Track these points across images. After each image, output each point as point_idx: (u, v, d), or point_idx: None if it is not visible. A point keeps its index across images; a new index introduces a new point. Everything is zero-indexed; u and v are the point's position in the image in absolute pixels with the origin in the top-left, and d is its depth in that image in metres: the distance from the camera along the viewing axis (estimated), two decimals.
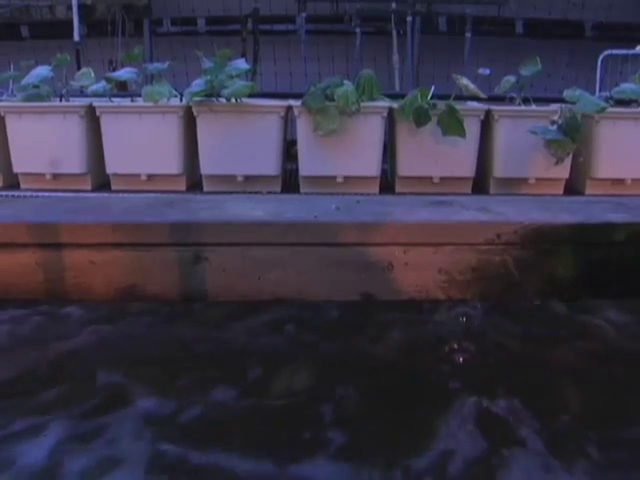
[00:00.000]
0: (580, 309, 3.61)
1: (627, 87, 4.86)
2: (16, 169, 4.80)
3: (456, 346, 3.22)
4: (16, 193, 4.62)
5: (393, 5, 6.87)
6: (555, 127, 4.56)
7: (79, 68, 5.57)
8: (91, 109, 4.69)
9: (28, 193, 4.60)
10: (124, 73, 4.99)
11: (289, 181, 5.02)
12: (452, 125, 4.48)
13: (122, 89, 5.71)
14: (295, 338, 3.32)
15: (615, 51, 6.23)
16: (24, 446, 2.45)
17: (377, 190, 4.75)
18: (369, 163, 4.67)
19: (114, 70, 6.20)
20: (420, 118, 4.49)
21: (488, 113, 4.71)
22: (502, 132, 4.70)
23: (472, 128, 4.60)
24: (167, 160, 4.71)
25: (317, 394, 2.84)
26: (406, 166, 4.75)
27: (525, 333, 3.41)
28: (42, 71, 4.84)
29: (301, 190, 4.75)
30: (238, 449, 2.46)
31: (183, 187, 4.80)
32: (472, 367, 3.09)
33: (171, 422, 2.62)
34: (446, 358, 3.14)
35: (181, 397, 2.77)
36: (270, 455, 2.43)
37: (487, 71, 4.91)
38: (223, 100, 4.62)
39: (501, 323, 3.47)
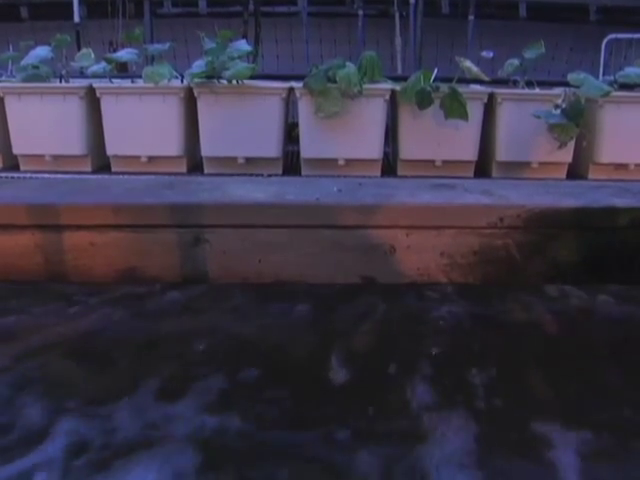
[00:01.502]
0: None
1: (631, 71, 4.82)
2: (16, 150, 4.76)
3: None
4: (16, 175, 4.59)
5: None
6: (559, 111, 4.52)
7: (79, 49, 5.52)
8: (91, 90, 4.65)
9: (28, 175, 4.57)
10: (124, 54, 4.95)
11: (290, 163, 5.00)
12: (455, 108, 4.45)
13: (122, 70, 5.66)
14: None
15: (619, 35, 6.19)
16: None
17: (379, 173, 4.72)
18: (371, 146, 4.64)
19: (115, 52, 6.15)
20: (422, 101, 4.45)
21: (491, 96, 4.67)
22: (505, 115, 4.66)
23: (475, 111, 4.56)
24: (168, 142, 4.67)
25: None
26: (408, 149, 4.72)
27: None
28: (41, 52, 4.80)
29: (302, 173, 4.72)
30: None
31: (184, 169, 4.77)
32: None
33: None
34: None
35: None
36: None
37: (490, 54, 4.88)
38: (224, 82, 4.58)
39: None
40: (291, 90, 4.66)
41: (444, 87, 4.49)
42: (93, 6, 7.03)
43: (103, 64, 4.81)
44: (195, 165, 4.86)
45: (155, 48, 5.02)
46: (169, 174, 4.58)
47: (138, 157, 4.70)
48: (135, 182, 4.14)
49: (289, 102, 4.79)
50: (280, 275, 3.57)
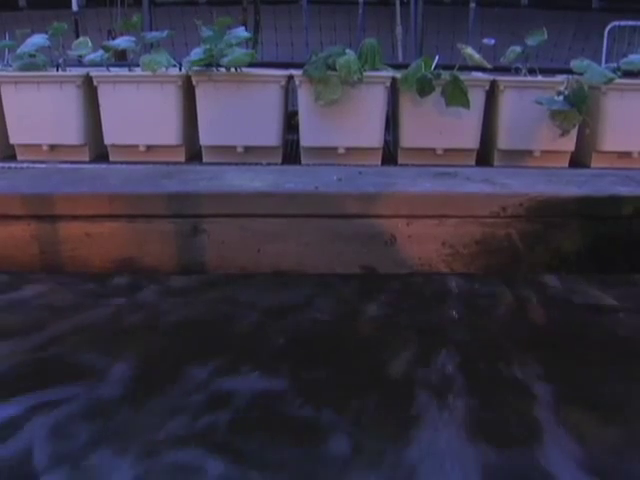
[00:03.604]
0: None
1: (635, 58, 4.77)
2: (12, 140, 4.72)
3: None
4: (13, 164, 4.55)
5: None
6: (561, 98, 4.47)
7: (78, 38, 5.47)
8: (88, 79, 4.60)
9: (25, 164, 4.53)
10: (122, 42, 4.89)
11: (290, 152, 4.96)
12: (456, 95, 4.40)
13: (121, 59, 5.61)
14: None
15: (622, 22, 6.14)
16: None
17: (379, 162, 4.68)
18: (371, 134, 4.59)
19: (113, 40, 6.09)
20: (423, 88, 4.40)
21: (493, 84, 4.62)
22: (507, 103, 4.61)
23: (476, 99, 4.51)
24: (166, 131, 4.63)
25: None
26: (409, 137, 4.67)
27: None
28: (38, 40, 4.75)
29: (302, 161, 4.68)
30: None
31: (182, 158, 4.73)
32: None
33: None
34: None
35: None
36: None
37: (492, 41, 4.82)
38: (223, 69, 4.54)
39: None
40: (290, 78, 4.61)
41: (445, 74, 4.44)
42: None
43: (100, 52, 4.76)
44: (194, 154, 4.83)
45: (153, 36, 4.97)
46: (167, 163, 4.53)
47: (136, 146, 4.66)
48: (132, 171, 4.09)
49: (289, 90, 4.76)
50: (279, 265, 3.52)
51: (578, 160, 4.76)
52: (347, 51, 4.54)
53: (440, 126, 4.57)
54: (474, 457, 2.37)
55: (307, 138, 4.64)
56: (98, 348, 3.25)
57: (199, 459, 2.45)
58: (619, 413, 2.68)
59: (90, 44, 4.86)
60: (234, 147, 4.64)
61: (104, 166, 4.53)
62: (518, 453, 2.41)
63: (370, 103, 4.54)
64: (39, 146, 4.67)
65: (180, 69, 4.65)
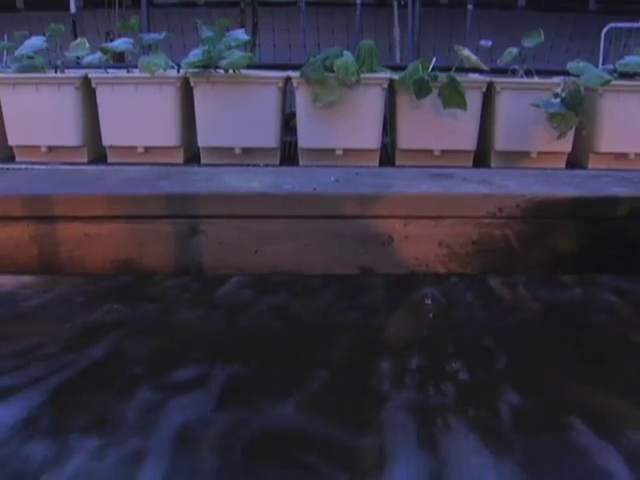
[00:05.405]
0: None
1: (632, 60, 4.77)
2: (11, 141, 4.72)
3: None
4: (11, 166, 4.55)
5: None
6: (558, 100, 4.47)
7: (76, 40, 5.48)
8: (86, 80, 4.60)
9: (23, 166, 4.54)
10: (119, 44, 4.89)
11: (288, 153, 4.96)
12: (453, 97, 4.41)
13: (119, 61, 5.62)
14: None
15: (619, 24, 6.15)
16: None
17: (377, 163, 4.68)
18: (369, 135, 4.60)
19: (112, 42, 6.10)
20: (421, 90, 4.41)
21: (490, 85, 4.62)
22: (504, 105, 4.61)
23: (473, 100, 4.51)
24: (164, 132, 4.63)
25: None
26: (406, 139, 4.67)
27: None
28: (36, 42, 4.74)
29: (300, 163, 4.69)
30: None
31: (181, 159, 4.73)
32: None
33: None
34: None
35: None
36: None
37: (489, 43, 4.84)
38: (221, 71, 4.55)
39: None
40: (288, 79, 4.62)
41: (442, 76, 4.44)
42: None
43: (98, 54, 4.75)
44: (192, 156, 4.83)
45: (151, 37, 4.95)
46: (166, 165, 4.54)
47: (134, 148, 4.66)
48: (130, 173, 4.10)
49: (286, 92, 4.76)
50: (277, 266, 3.54)
51: (575, 161, 4.77)
52: (345, 53, 4.55)
53: (437, 128, 4.58)
54: None
55: (305, 139, 4.64)
56: None
57: None
58: None
59: (88, 46, 4.87)
60: (232, 148, 4.64)
61: (102, 167, 4.53)
62: None
63: (368, 105, 4.55)
64: (38, 147, 4.67)
65: (178, 71, 4.66)
